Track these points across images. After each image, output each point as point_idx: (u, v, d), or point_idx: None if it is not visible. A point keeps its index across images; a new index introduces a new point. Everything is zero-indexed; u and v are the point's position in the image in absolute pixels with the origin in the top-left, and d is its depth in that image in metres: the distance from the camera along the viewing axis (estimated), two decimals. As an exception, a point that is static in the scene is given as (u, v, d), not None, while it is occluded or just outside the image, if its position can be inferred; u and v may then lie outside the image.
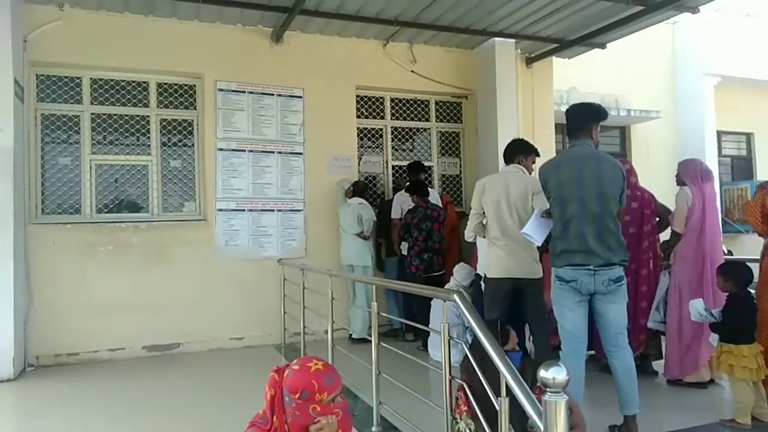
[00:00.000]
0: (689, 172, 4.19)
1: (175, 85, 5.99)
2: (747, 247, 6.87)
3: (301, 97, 6.27)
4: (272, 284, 5.76)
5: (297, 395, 1.77)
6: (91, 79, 5.68)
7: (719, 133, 9.85)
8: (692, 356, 4.08)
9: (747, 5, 9.46)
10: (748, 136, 10.40)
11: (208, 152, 5.94)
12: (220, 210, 5.94)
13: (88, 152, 5.65)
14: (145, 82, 5.87)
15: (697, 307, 3.55)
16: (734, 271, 3.53)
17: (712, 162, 9.36)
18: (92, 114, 5.68)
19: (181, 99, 6.02)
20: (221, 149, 5.97)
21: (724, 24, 9.22)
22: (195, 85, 6.05)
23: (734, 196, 9.78)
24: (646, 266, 4.35)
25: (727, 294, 3.55)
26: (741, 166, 10.44)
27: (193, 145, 6.05)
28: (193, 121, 6.04)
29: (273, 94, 6.18)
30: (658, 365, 4.46)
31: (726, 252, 6.63)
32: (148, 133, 5.87)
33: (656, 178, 6.82)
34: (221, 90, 5.98)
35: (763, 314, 3.57)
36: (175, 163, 6.00)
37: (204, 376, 4.87)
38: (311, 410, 1.77)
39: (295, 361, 1.88)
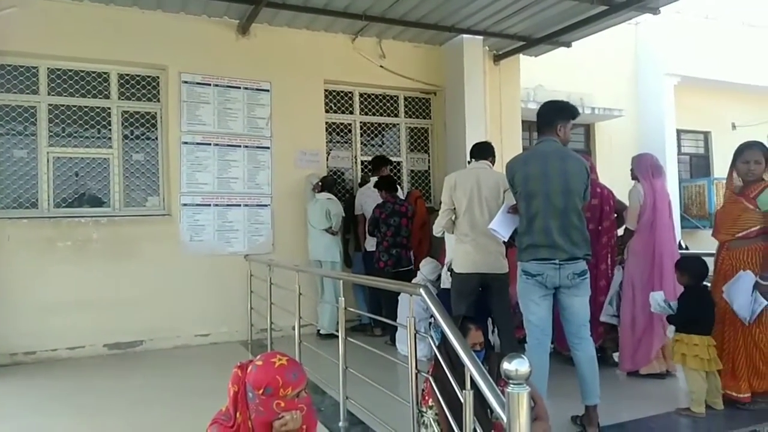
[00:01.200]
0: (641, 168, 4.26)
1: (138, 76, 5.83)
2: (704, 243, 7.10)
3: (268, 90, 6.19)
4: (239, 280, 5.69)
5: (261, 391, 1.76)
6: (48, 68, 5.48)
7: (679, 132, 10.16)
8: (644, 349, 4.18)
9: (706, 8, 9.76)
10: (706, 135, 10.77)
11: (172, 146, 5.80)
12: (185, 205, 5.82)
13: (45, 144, 5.45)
14: (105, 73, 5.70)
15: (656, 299, 3.65)
16: (689, 266, 3.65)
17: (671, 159, 9.66)
18: (50, 105, 5.49)
19: (143, 91, 5.86)
20: (186, 143, 5.84)
21: (685, 26, 9.51)
22: (158, 77, 5.90)
23: (692, 193, 10.12)
24: (604, 261, 4.45)
25: (684, 287, 3.67)
26: (699, 164, 10.80)
27: (156, 138, 5.91)
28: (156, 113, 5.90)
29: (239, 87, 6.07)
30: (616, 357, 4.57)
31: (684, 247, 6.86)
32: (109, 125, 5.71)
33: (619, 175, 6.96)
34: (186, 82, 5.85)
35: (716, 309, 3.69)
36: (138, 157, 5.85)
37: (167, 374, 4.78)
38: (275, 406, 1.76)
39: (258, 356, 1.86)
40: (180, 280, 5.68)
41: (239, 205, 6.04)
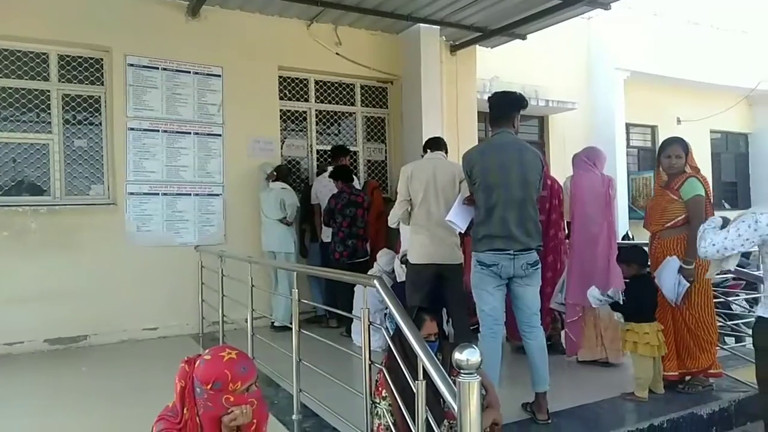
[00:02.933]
0: (572, 162, 4.45)
1: (80, 57, 5.54)
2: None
3: (219, 75, 5.99)
4: (189, 272, 5.52)
5: (209, 386, 1.71)
6: (-20, 47, 5.15)
7: (628, 125, 10.50)
8: (575, 335, 4.34)
9: (654, 5, 10.08)
10: (653, 129, 11.16)
11: (117, 131, 5.55)
12: (132, 194, 5.59)
13: (-23, 129, 5.13)
14: (44, 54, 5.39)
15: (594, 294, 3.77)
16: (631, 256, 3.79)
17: (621, 152, 9.98)
18: (-17, 87, 5.16)
19: (86, 73, 5.58)
20: (132, 129, 5.60)
21: (634, 22, 9.78)
22: (102, 59, 5.62)
23: (640, 185, 10.48)
24: (552, 253, 4.52)
25: (629, 278, 3.79)
26: (646, 157, 11.19)
27: (100, 123, 5.64)
28: (100, 97, 5.62)
29: (189, 72, 5.86)
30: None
31: (630, 237, 7.10)
32: (49, 109, 5.41)
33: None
34: (132, 65, 5.59)
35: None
36: (80, 143, 5.56)
37: (112, 370, 4.60)
38: (224, 401, 1.72)
39: (206, 350, 1.81)
40: (126, 271, 5.46)
41: (189, 194, 5.85)
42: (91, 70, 5.60)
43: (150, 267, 5.56)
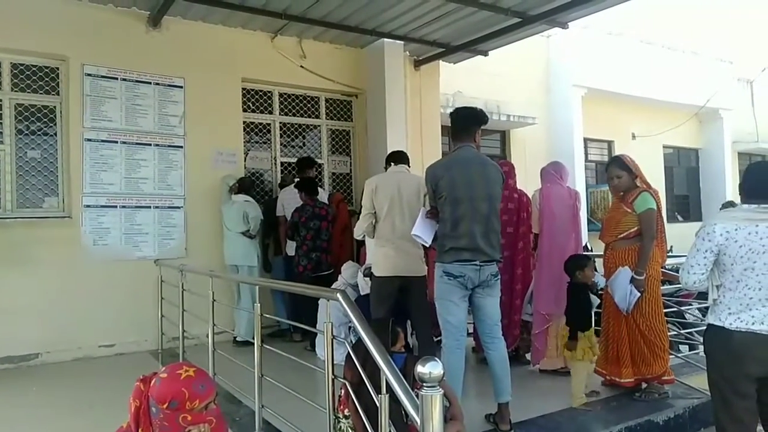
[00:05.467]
0: (541, 175, 4.58)
1: (34, 66, 5.38)
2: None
3: (181, 87, 5.90)
4: (148, 287, 5.38)
5: (165, 405, 1.66)
6: (-73, 54, 4.94)
7: (586, 140, 10.81)
8: (540, 345, 4.44)
9: (609, 25, 10.47)
10: (609, 144, 11.52)
11: (73, 142, 5.39)
12: (88, 206, 5.42)
13: None
14: (-4, 62, 5.22)
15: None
16: (575, 263, 3.91)
17: (579, 166, 10.26)
18: (-72, 94, 4.94)
19: (41, 82, 5.41)
20: (89, 140, 5.45)
21: (591, 40, 10.14)
22: (58, 68, 5.47)
23: (597, 198, 10.77)
24: (520, 265, 4.60)
25: (567, 284, 3.92)
26: (603, 171, 11.50)
27: (55, 134, 5.46)
28: (55, 107, 5.46)
29: (150, 83, 5.75)
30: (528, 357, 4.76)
31: (589, 249, 7.28)
32: (0, 119, 5.21)
33: (533, 181, 7.30)
34: (89, 75, 5.46)
35: (607, 308, 3.96)
36: (34, 154, 5.38)
37: (65, 389, 4.42)
38: (181, 420, 1.67)
39: (163, 368, 1.76)
40: (82, 286, 5.28)
41: (149, 207, 5.72)
42: (46, 79, 5.43)
43: (107, 281, 5.39)
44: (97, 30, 5.47)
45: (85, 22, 5.41)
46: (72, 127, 5.39)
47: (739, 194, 2.63)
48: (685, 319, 5.50)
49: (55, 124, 5.46)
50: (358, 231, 4.12)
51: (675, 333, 4.74)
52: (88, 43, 5.44)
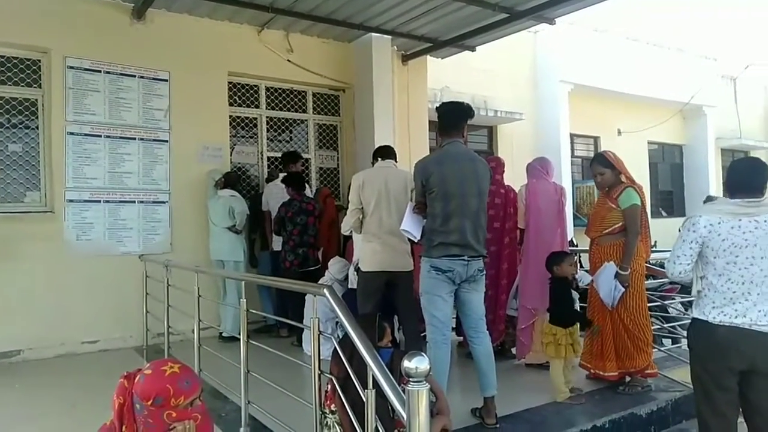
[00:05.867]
0: (527, 171, 4.60)
1: (15, 58, 5.27)
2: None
3: (166, 80, 5.83)
4: (133, 282, 5.31)
5: (149, 402, 1.65)
6: None
7: (572, 136, 10.87)
8: (526, 340, 4.47)
9: (595, 21, 10.52)
10: (596, 140, 11.60)
11: (55, 136, 5.31)
12: (71, 201, 5.35)
13: None
14: (-25, 53, 5.11)
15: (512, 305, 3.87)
16: (552, 259, 3.94)
17: (565, 162, 10.32)
18: None
19: (22, 75, 5.31)
20: (72, 133, 5.36)
21: (577, 37, 10.18)
22: (40, 60, 5.37)
23: (584, 193, 10.86)
24: (506, 260, 4.63)
25: (549, 280, 3.95)
26: (590, 167, 11.61)
27: (37, 127, 5.37)
28: (37, 100, 5.37)
29: (134, 76, 5.67)
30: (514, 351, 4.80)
31: (575, 244, 7.34)
32: (-19, 112, 5.13)
33: (520, 177, 7.33)
34: (72, 68, 5.37)
35: (592, 303, 3.99)
36: (15, 147, 5.28)
37: (48, 386, 4.37)
38: (166, 417, 1.66)
39: (147, 365, 1.75)
40: (65, 282, 5.22)
41: (133, 202, 5.65)
42: (28, 71, 5.34)
43: (91, 277, 5.33)
44: (79, 22, 5.38)
45: (67, 14, 5.32)
46: (54, 121, 5.31)
47: (723, 190, 2.66)
48: (668, 313, 5.56)
49: (37, 118, 5.37)
50: (345, 226, 4.10)
51: (658, 327, 4.79)
52: (70, 35, 5.35)
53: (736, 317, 2.47)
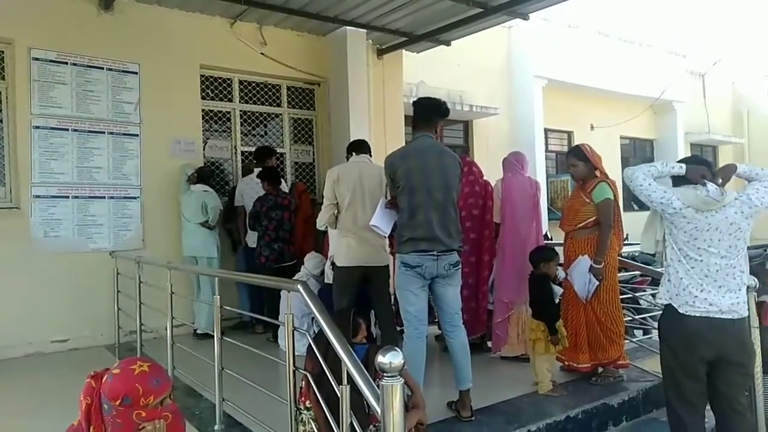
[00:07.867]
0: (503, 165, 4.63)
1: (-24, 49, 5.10)
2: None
3: (136, 73, 5.70)
4: (104, 279, 5.20)
5: (118, 402, 1.61)
6: None
7: (546, 131, 11.00)
8: (502, 333, 4.50)
9: (568, 17, 10.64)
10: (569, 134, 11.76)
11: (20, 130, 5.15)
12: (38, 197, 5.20)
13: None
14: (-67, 44, 4.92)
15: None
16: (542, 255, 3.97)
17: (540, 156, 10.44)
18: None
19: (-16, 66, 5.14)
20: (38, 127, 5.21)
21: (551, 32, 10.28)
22: (3, 52, 5.19)
23: (557, 187, 11.01)
24: (487, 253, 4.65)
25: (529, 275, 3.99)
26: (563, 161, 11.76)
27: (1, 120, 5.20)
28: (0, 92, 5.19)
29: (102, 68, 5.53)
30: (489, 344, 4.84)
31: (549, 237, 7.42)
32: (-60, 104, 4.94)
33: (496, 171, 7.38)
34: (37, 59, 5.20)
35: (566, 297, 4.03)
36: (-23, 142, 5.12)
37: (14, 386, 4.25)
38: (135, 417, 1.63)
39: (116, 364, 1.71)
40: (32, 280, 5.08)
41: (103, 197, 5.52)
42: (-10, 63, 5.17)
43: (59, 274, 5.19)
44: (45, 12, 5.21)
45: (32, 4, 5.15)
46: (19, 114, 5.15)
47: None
48: (640, 305, 5.67)
49: (1, 111, 5.20)
50: (321, 222, 4.07)
51: (630, 318, 4.88)
52: (35, 25, 5.18)
53: (705, 307, 2.52)
